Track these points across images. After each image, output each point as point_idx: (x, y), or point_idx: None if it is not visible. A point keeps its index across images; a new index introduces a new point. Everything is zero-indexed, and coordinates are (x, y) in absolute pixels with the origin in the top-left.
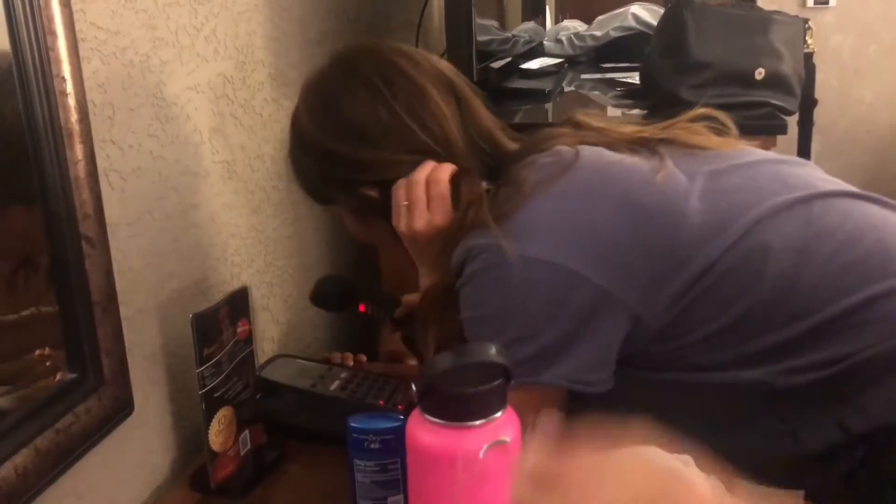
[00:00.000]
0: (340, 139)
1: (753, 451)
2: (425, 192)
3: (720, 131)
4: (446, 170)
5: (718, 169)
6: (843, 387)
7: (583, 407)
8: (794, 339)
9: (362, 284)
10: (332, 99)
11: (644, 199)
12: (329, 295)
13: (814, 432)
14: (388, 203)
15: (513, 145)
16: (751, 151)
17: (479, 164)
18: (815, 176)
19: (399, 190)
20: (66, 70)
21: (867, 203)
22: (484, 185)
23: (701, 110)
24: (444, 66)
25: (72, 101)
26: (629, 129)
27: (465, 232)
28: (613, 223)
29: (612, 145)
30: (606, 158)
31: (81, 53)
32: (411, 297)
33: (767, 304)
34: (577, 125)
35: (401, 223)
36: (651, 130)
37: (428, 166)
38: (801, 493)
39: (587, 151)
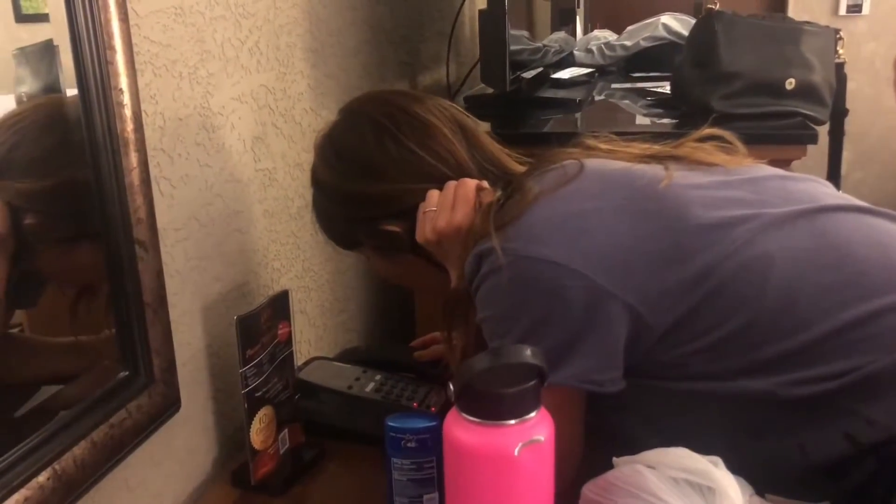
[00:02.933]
0: (355, 179)
1: (763, 462)
2: (454, 193)
3: (728, 150)
4: (473, 180)
5: (724, 181)
6: (851, 399)
7: (595, 416)
8: (798, 350)
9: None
10: (343, 145)
11: (646, 204)
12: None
13: (821, 445)
14: (411, 232)
15: (520, 168)
16: (758, 168)
17: (492, 183)
18: (821, 191)
19: (430, 199)
20: (123, 82)
21: (873, 217)
22: (498, 193)
23: (708, 130)
24: (446, 103)
25: (128, 112)
26: (638, 149)
27: (476, 238)
28: (614, 225)
29: (621, 159)
30: (611, 167)
31: (136, 66)
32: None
33: (770, 314)
34: (587, 147)
35: (426, 229)
36: (659, 149)
37: (454, 182)
38: None
39: (592, 163)
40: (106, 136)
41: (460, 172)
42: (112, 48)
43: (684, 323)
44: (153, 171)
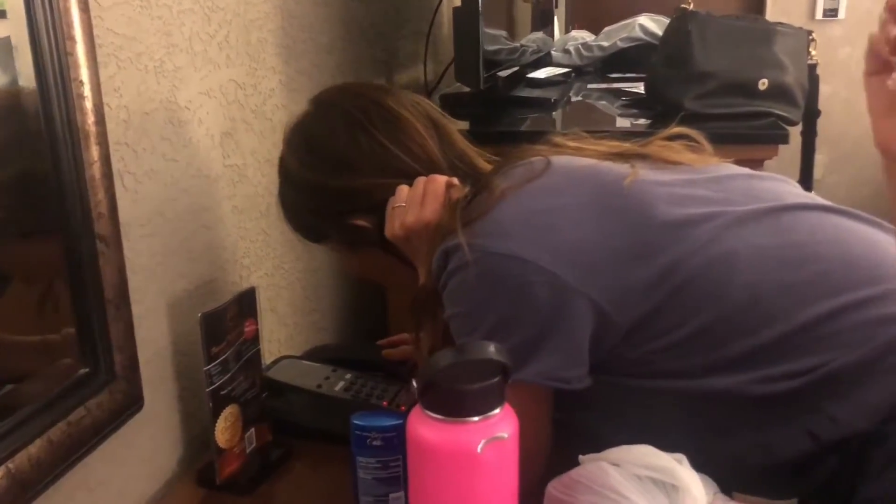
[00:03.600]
0: (325, 172)
1: (728, 460)
2: (423, 189)
3: (696, 149)
4: (444, 177)
5: (690, 179)
6: (814, 396)
7: (560, 413)
8: (762, 347)
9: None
10: (313, 136)
11: (612, 200)
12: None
13: (785, 442)
14: (381, 227)
15: (489, 166)
16: (724, 166)
17: (461, 180)
18: (786, 190)
19: (399, 194)
20: (84, 74)
21: (837, 216)
22: (466, 190)
23: (676, 129)
24: (420, 98)
25: (89, 104)
26: (606, 147)
27: (443, 234)
28: (579, 221)
29: (588, 157)
30: (577, 163)
31: (99, 59)
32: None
33: (734, 312)
34: (555, 145)
35: (395, 224)
36: (627, 147)
37: (424, 178)
38: (794, 501)
39: (559, 159)
40: (65, 129)
41: (431, 168)
42: (72, 39)
43: (649, 320)
44: (117, 166)
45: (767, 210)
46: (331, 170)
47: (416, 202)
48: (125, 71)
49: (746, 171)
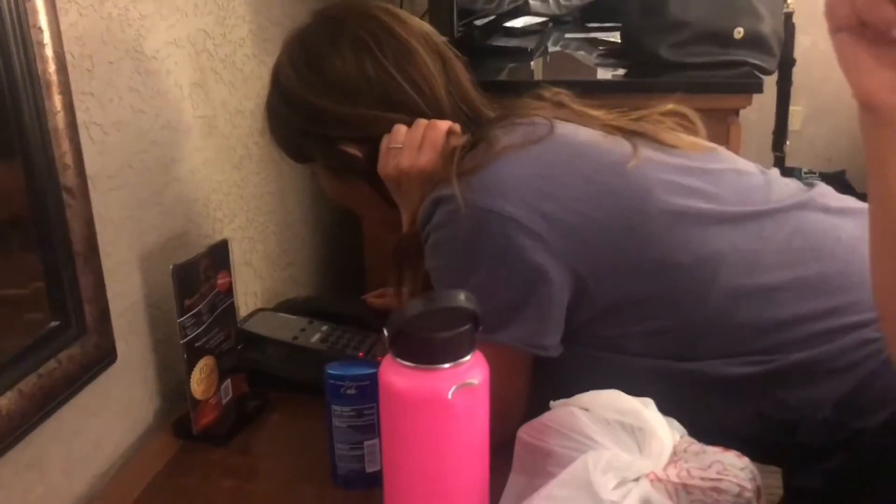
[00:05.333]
0: (325, 94)
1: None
2: (422, 134)
3: (689, 129)
4: (446, 123)
5: (685, 167)
6: (766, 383)
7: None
8: (731, 343)
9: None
10: (317, 53)
11: (612, 180)
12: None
13: (735, 418)
14: (371, 160)
15: (491, 112)
16: (716, 156)
17: (462, 126)
18: (771, 188)
19: (396, 134)
20: (42, 21)
21: (818, 214)
22: (465, 138)
23: (671, 106)
24: (430, 28)
25: (49, 52)
26: (602, 115)
27: (436, 183)
28: (577, 195)
29: (589, 126)
30: (580, 138)
31: (58, 5)
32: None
33: (712, 312)
34: (558, 104)
35: (388, 164)
36: (624, 121)
37: (425, 121)
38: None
39: (562, 128)
40: (25, 78)
41: (435, 106)
42: None
43: (627, 305)
44: (82, 117)
45: (754, 214)
46: (331, 92)
47: (414, 146)
48: (86, 18)
49: (733, 161)
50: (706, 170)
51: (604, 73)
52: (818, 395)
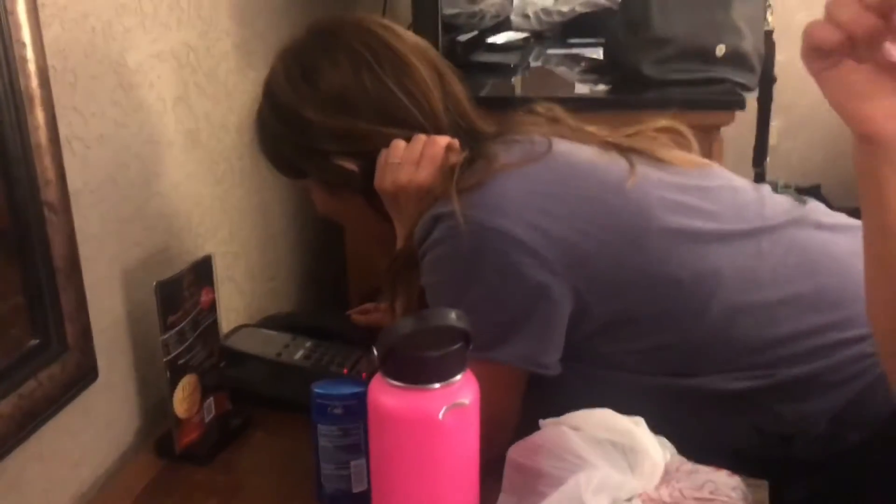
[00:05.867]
0: (321, 108)
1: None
2: (421, 150)
3: (682, 145)
4: (444, 139)
5: (682, 185)
6: (763, 396)
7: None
8: (730, 359)
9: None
10: (313, 67)
11: (611, 200)
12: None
13: (732, 432)
14: (367, 175)
15: (489, 127)
16: (711, 173)
17: (460, 141)
18: (765, 204)
19: (394, 149)
20: (25, 35)
21: (809, 230)
22: (463, 154)
23: (665, 122)
24: (424, 42)
25: (32, 67)
26: (598, 132)
27: (433, 199)
28: (577, 212)
29: (585, 143)
30: (579, 156)
31: (42, 19)
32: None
33: (710, 329)
34: (553, 119)
35: (385, 180)
36: (619, 138)
37: (424, 137)
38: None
39: (561, 145)
40: (7, 92)
41: (433, 121)
42: None
43: (626, 322)
44: (64, 131)
45: (750, 231)
46: (328, 106)
47: (412, 162)
48: (70, 32)
49: (729, 179)
50: (702, 187)
51: (583, 89)
52: (815, 408)
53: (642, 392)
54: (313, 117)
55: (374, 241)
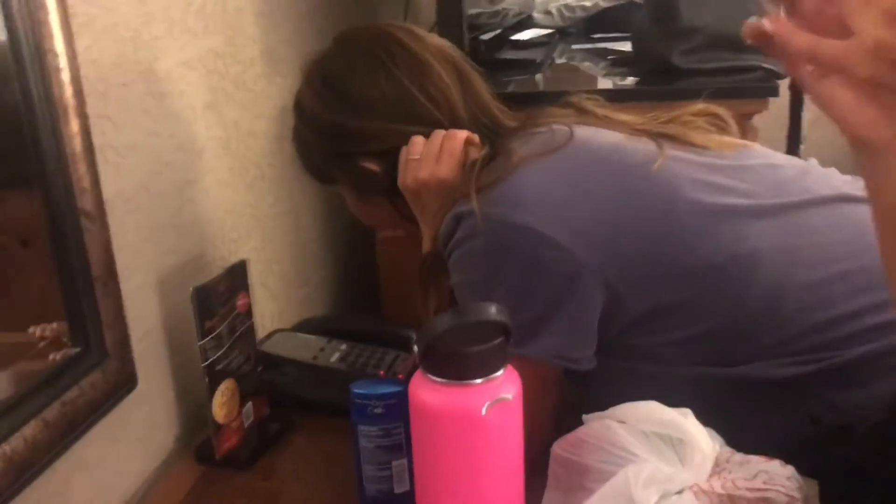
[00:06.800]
0: (340, 110)
1: (730, 441)
2: (440, 145)
3: (721, 129)
4: (463, 133)
5: (714, 165)
6: (817, 384)
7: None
8: (776, 343)
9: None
10: (331, 72)
11: (637, 183)
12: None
13: (784, 424)
14: (391, 175)
15: (511, 122)
16: (749, 153)
17: (481, 137)
18: (811, 179)
19: (414, 146)
20: (58, 45)
21: (858, 205)
22: (484, 150)
23: (701, 105)
24: (445, 43)
25: (66, 77)
26: (630, 120)
27: (455, 197)
28: (601, 200)
29: (612, 130)
30: (601, 141)
31: (73, 29)
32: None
33: (754, 314)
34: (581, 110)
35: (407, 177)
36: (652, 124)
37: (442, 131)
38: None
39: (582, 132)
40: (42, 103)
41: (452, 117)
42: (44, 8)
43: (662, 312)
44: (97, 140)
45: (790, 205)
46: (347, 108)
47: (432, 157)
48: (101, 42)
49: (768, 156)
50: (737, 167)
51: (607, 83)
52: (874, 395)
53: (683, 384)
54: (334, 119)
55: (404, 243)
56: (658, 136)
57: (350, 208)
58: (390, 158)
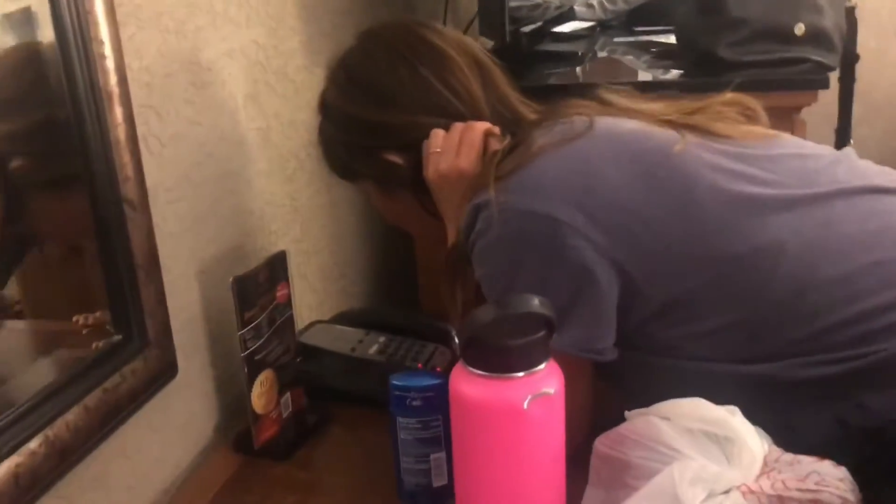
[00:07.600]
0: (362, 103)
1: None
2: (460, 136)
3: (750, 118)
4: (483, 124)
5: (739, 153)
6: (846, 384)
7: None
8: (801, 340)
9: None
10: (354, 66)
11: (656, 169)
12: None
13: (811, 426)
14: (414, 168)
15: (532, 114)
16: (776, 142)
17: (502, 129)
18: (842, 170)
19: (434, 138)
20: (104, 34)
21: (891, 197)
22: (505, 142)
23: (731, 95)
24: (467, 38)
25: (110, 65)
26: (655, 109)
27: (475, 188)
28: (620, 187)
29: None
30: (621, 128)
31: (118, 18)
32: None
33: (777, 306)
34: (603, 102)
35: (429, 170)
36: (675, 115)
37: (462, 124)
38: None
39: (603, 122)
40: (87, 90)
41: (473, 109)
42: None
43: (682, 304)
44: (141, 129)
45: (820, 196)
46: (369, 101)
47: (452, 149)
48: (145, 31)
49: (799, 149)
50: (763, 156)
51: (646, 76)
52: None
53: (706, 381)
54: (356, 114)
55: (435, 237)
56: (680, 127)
57: (375, 203)
58: (414, 152)
